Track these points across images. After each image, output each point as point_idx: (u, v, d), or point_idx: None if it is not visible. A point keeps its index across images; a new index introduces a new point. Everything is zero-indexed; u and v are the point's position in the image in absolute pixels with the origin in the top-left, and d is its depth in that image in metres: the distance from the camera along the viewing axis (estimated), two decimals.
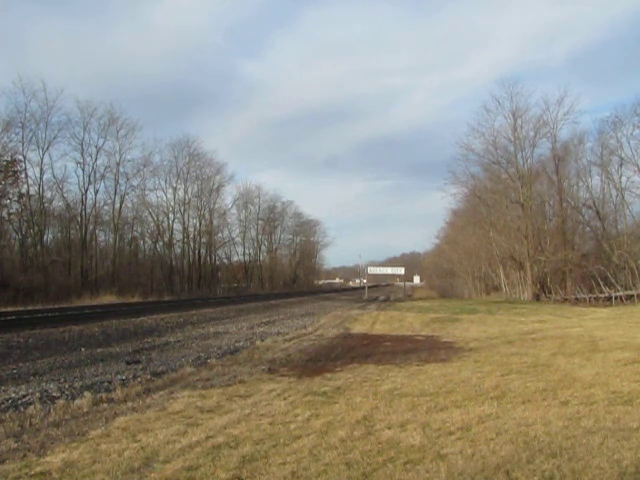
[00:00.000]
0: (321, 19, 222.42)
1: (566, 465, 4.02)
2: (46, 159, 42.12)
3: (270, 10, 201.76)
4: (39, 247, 40.68)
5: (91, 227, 46.69)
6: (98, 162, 46.69)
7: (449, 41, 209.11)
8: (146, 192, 53.27)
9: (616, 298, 30.96)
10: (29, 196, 40.48)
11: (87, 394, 7.09)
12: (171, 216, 56.33)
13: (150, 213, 54.58)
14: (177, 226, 57.19)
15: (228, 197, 79.77)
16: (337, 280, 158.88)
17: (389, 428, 5.17)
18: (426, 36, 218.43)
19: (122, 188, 49.01)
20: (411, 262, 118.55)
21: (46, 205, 42.53)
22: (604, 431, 4.86)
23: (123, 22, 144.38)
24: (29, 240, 40.96)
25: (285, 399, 6.60)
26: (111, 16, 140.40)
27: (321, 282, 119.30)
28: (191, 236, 58.85)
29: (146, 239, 56.32)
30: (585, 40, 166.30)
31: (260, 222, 74.09)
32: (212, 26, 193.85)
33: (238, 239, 70.19)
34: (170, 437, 5.00)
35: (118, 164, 48.19)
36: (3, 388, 7.89)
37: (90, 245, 46.34)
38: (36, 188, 41.36)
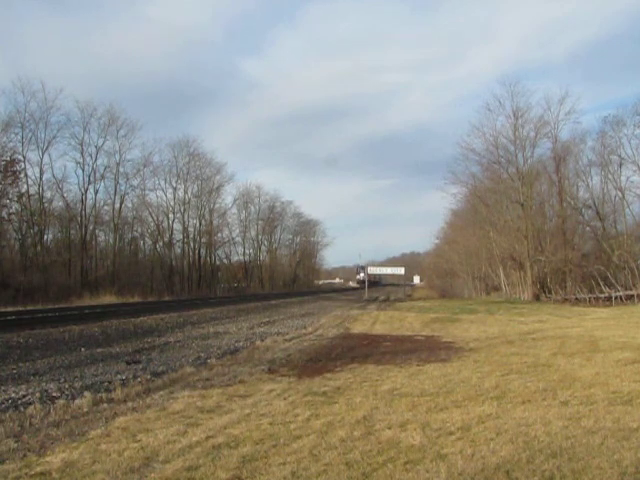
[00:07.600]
0: (321, 16, 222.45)
1: (566, 465, 4.02)
2: (46, 159, 42.24)
3: (270, 7, 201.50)
4: (39, 247, 40.68)
5: (91, 227, 46.72)
6: (98, 162, 46.83)
7: (450, 38, 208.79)
8: (146, 192, 53.40)
9: (616, 298, 30.95)
10: (29, 196, 40.50)
11: (87, 394, 7.09)
12: (171, 216, 56.42)
13: (150, 213, 54.64)
14: (177, 226, 57.29)
15: (228, 197, 79.79)
16: (337, 280, 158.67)
17: (389, 428, 5.17)
18: (427, 33, 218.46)
19: (122, 188, 49.14)
20: (411, 262, 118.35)
21: (46, 205, 42.55)
22: (604, 431, 4.87)
23: (121, 20, 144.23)
24: (29, 240, 40.96)
25: (285, 399, 6.60)
26: (109, 14, 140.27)
27: (321, 282, 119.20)
28: (191, 236, 58.88)
29: (146, 239, 56.36)
30: (586, 38, 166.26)
31: (260, 222, 74.21)
32: (211, 23, 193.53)
33: (238, 239, 70.32)
34: (170, 437, 5.00)
35: (118, 164, 48.29)
36: (3, 388, 7.89)
37: (90, 245, 46.35)
38: (36, 188, 41.47)
